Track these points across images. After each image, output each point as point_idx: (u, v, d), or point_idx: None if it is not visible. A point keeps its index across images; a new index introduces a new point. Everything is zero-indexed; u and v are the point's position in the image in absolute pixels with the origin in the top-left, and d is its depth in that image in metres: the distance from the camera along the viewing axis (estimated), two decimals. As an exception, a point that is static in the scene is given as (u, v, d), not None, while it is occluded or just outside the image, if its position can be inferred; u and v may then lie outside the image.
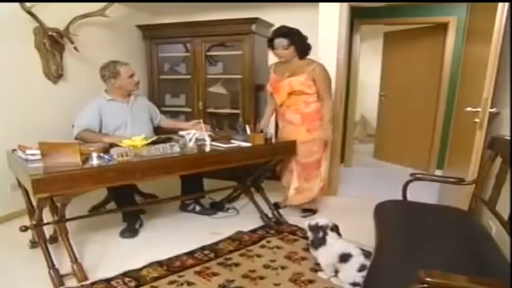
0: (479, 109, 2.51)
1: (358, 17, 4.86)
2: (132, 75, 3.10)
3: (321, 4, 3.47)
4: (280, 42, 3.02)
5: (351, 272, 2.17)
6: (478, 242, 1.85)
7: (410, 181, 2.46)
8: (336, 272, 2.30)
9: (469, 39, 3.30)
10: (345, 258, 2.21)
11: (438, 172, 4.55)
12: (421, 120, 5.04)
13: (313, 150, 3.17)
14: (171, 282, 2.30)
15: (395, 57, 5.41)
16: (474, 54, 2.92)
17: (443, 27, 4.59)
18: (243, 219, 3.32)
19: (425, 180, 2.54)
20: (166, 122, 3.54)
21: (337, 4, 3.40)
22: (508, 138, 2.11)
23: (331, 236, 2.33)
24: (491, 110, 2.49)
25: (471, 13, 3.29)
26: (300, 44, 3.06)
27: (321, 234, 2.33)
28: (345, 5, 3.43)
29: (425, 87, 4.92)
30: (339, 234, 2.40)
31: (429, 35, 4.84)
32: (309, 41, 4.14)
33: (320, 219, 2.42)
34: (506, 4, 2.33)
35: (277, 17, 4.31)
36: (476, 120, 2.52)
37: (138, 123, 3.14)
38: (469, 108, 2.65)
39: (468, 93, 2.94)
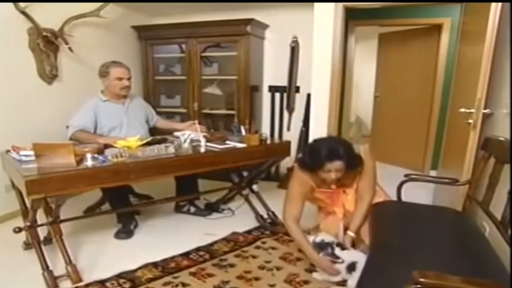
0: (472, 110, 2.53)
1: (353, 18, 4.88)
2: (121, 79, 3.03)
3: (316, 4, 3.48)
4: (337, 166, 2.21)
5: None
6: (471, 242, 1.86)
7: (404, 182, 2.47)
8: (345, 281, 2.23)
9: (462, 40, 3.32)
10: (352, 267, 2.15)
11: (433, 173, 4.57)
12: (415, 121, 5.06)
13: None
14: (166, 284, 2.30)
15: (390, 58, 5.43)
16: (468, 55, 2.94)
17: (438, 28, 4.62)
18: (238, 220, 3.32)
19: (420, 181, 2.56)
20: (162, 123, 3.53)
21: (332, 4, 3.41)
22: (502, 139, 2.12)
23: (337, 250, 2.23)
24: (484, 111, 2.50)
25: (465, 14, 3.31)
26: (352, 160, 2.28)
27: (329, 250, 2.22)
28: (340, 5, 3.43)
29: (420, 88, 4.94)
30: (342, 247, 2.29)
31: (423, 36, 4.87)
32: (304, 41, 4.18)
33: (324, 236, 2.30)
34: (499, 4, 2.34)
35: (272, 18, 4.33)
36: (470, 121, 2.54)
37: (133, 125, 3.13)
38: (462, 109, 2.66)
39: (462, 94, 2.95)
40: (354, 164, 2.29)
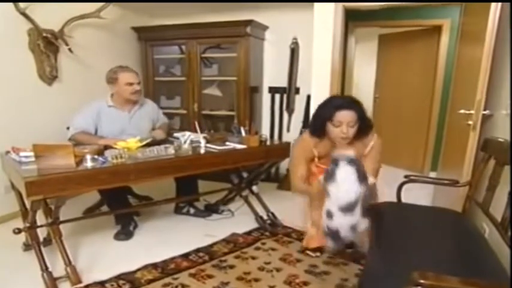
0: (472, 111, 2.53)
1: (353, 19, 4.89)
2: (131, 84, 2.97)
3: (316, 5, 3.48)
4: (348, 115, 2.15)
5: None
6: (471, 243, 1.85)
7: (404, 183, 2.46)
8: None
9: (462, 41, 3.32)
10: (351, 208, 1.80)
11: (432, 174, 4.57)
12: (415, 122, 5.06)
13: None
14: (165, 285, 2.30)
15: (390, 59, 5.43)
16: (467, 56, 2.94)
17: (438, 29, 4.62)
18: (237, 221, 3.32)
19: (420, 182, 2.55)
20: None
21: (332, 5, 3.41)
22: (502, 140, 2.11)
23: (344, 171, 1.81)
24: (484, 112, 2.50)
25: (464, 15, 3.31)
26: (364, 119, 2.25)
27: (331, 166, 1.87)
28: (340, 6, 3.43)
29: (420, 89, 4.94)
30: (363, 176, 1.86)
31: (423, 38, 4.87)
32: (304, 42, 4.18)
33: (347, 152, 1.93)
34: (499, 4, 2.34)
35: (272, 19, 4.34)
36: (470, 122, 2.54)
37: (135, 133, 3.00)
38: (462, 111, 2.66)
39: (461, 96, 2.95)
40: (365, 125, 2.27)
